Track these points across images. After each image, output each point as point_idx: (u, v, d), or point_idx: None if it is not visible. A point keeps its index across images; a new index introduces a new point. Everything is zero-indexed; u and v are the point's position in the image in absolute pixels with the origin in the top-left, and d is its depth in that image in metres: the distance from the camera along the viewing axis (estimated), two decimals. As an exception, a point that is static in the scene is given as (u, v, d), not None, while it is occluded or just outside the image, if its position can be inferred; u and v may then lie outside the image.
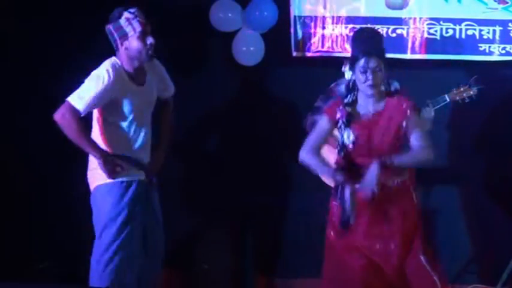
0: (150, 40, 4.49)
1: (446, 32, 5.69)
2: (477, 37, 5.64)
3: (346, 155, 4.34)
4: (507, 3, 5.59)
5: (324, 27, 5.87)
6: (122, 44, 4.49)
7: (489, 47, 5.63)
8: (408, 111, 4.29)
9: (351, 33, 5.66)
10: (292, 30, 5.89)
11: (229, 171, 6.07)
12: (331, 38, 5.87)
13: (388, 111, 4.31)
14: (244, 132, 6.07)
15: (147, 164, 4.67)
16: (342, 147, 4.35)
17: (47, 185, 5.90)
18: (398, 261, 4.37)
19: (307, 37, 5.89)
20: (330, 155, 4.74)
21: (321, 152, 4.49)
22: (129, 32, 4.45)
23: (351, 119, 4.32)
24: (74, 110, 4.39)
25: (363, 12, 5.79)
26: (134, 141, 4.60)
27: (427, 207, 5.43)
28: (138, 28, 4.45)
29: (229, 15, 5.88)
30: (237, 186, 6.04)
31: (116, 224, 4.52)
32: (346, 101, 4.35)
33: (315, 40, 5.89)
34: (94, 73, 4.49)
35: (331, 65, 5.67)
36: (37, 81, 5.83)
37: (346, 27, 5.83)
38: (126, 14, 4.46)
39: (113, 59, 4.55)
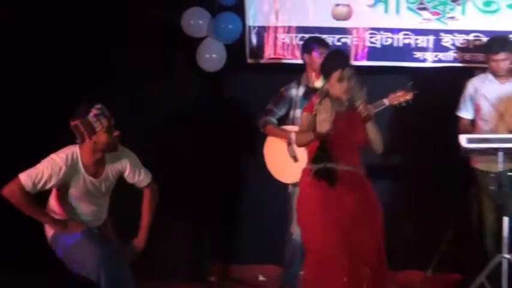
0: (116, 133, 4.69)
1: (386, 41, 6.01)
2: (413, 45, 5.95)
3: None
4: (440, 14, 5.90)
5: (276, 36, 6.15)
6: (90, 138, 4.61)
7: (423, 54, 5.95)
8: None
9: (301, 42, 5.99)
10: (247, 38, 6.17)
11: (188, 167, 6.24)
12: (283, 46, 6.15)
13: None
14: (201, 131, 6.27)
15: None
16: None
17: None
18: (380, 239, 4.69)
19: (261, 45, 6.17)
20: None
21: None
22: (97, 127, 4.59)
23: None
24: (22, 187, 4.54)
25: (312, 22, 6.08)
26: (80, 215, 4.77)
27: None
28: (105, 123, 4.63)
29: (200, 22, 6.13)
30: (195, 178, 6.23)
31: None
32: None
33: (268, 48, 6.16)
34: (52, 157, 4.61)
35: (283, 70, 6.07)
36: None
37: (296, 36, 6.12)
38: (93, 111, 4.61)
39: (75, 149, 4.66)
